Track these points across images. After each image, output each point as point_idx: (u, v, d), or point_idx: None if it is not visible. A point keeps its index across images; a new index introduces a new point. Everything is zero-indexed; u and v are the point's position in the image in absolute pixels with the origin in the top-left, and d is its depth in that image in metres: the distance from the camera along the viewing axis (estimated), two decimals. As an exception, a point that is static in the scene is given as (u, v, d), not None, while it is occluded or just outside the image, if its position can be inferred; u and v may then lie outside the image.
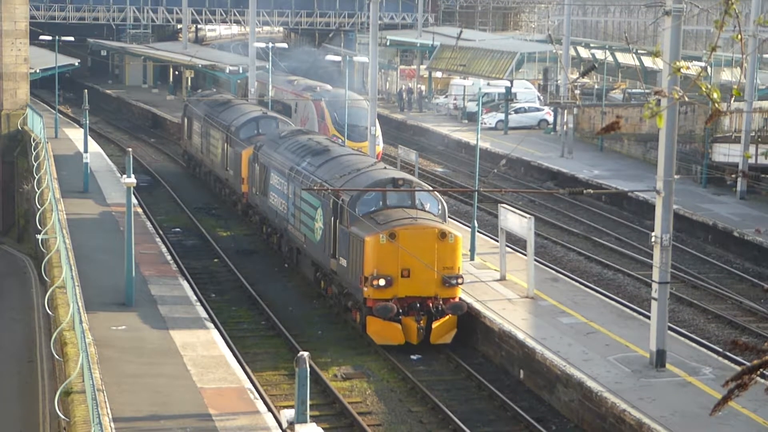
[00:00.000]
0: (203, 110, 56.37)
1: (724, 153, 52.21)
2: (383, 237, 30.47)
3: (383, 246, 30.58)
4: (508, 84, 75.28)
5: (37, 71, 67.39)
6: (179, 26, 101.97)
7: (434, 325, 30.95)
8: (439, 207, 33.59)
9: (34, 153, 52.37)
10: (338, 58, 71.96)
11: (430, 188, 35.58)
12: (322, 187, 34.84)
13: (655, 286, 27.97)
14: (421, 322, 30.73)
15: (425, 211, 33.04)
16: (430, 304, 30.68)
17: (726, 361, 28.61)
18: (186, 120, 60.35)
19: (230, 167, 49.45)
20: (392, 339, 30.82)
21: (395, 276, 30.68)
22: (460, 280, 31.43)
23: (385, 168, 36.46)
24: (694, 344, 30.53)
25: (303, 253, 38.43)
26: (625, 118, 61.18)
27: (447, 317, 31.08)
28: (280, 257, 42.21)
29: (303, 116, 59.78)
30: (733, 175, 48.91)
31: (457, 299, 31.30)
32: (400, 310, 30.49)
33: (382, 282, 30.48)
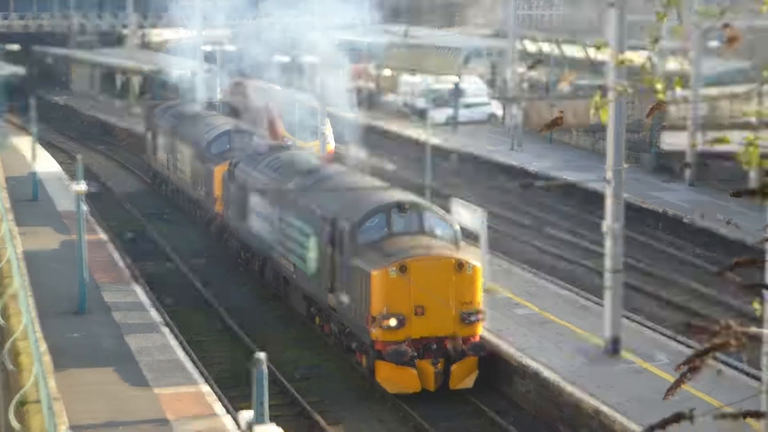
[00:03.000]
0: (169, 122, 52.56)
1: (672, 142, 52.70)
2: (393, 270, 26.64)
3: (393, 281, 26.65)
4: (457, 80, 75.61)
5: (-17, 80, 66.81)
6: (125, 32, 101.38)
7: (453, 368, 27.12)
8: (452, 232, 29.52)
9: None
10: (287, 59, 71.82)
11: (440, 211, 30.58)
12: (315, 213, 31.50)
13: (607, 275, 28.17)
14: (439, 365, 26.90)
15: (436, 237, 29.01)
16: (448, 345, 26.95)
17: (680, 347, 28.87)
18: (150, 133, 56.14)
19: (201, 186, 45.12)
20: (407, 386, 26.92)
21: (408, 314, 26.68)
22: (480, 316, 27.65)
23: (386, 190, 32.21)
24: (648, 331, 30.82)
25: (292, 284, 34.40)
26: (572, 110, 61.46)
27: (468, 358, 27.28)
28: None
29: (252, 116, 59.33)
30: (681, 164, 49.36)
31: (477, 338, 27.60)
32: (415, 353, 26.62)
33: (393, 322, 26.54)
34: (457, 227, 30.12)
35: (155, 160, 55.03)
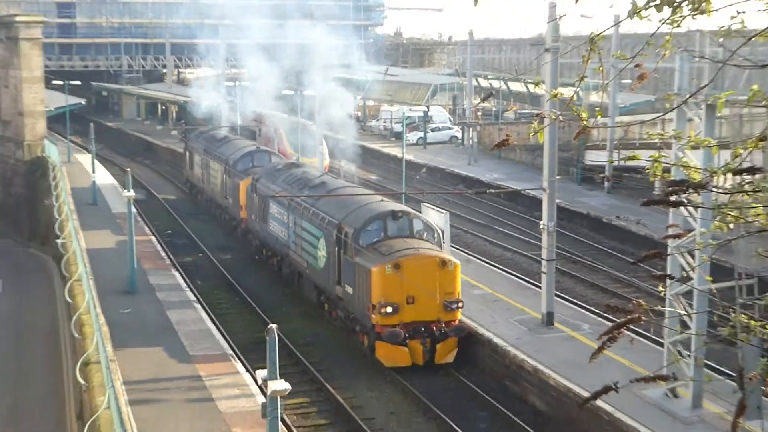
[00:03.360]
0: (203, 145, 51.72)
1: (593, 159, 52.87)
2: (389, 267, 26.75)
3: (389, 276, 26.74)
4: (426, 109, 75.72)
5: (52, 109, 66.34)
6: (164, 70, 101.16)
7: (438, 346, 27.24)
8: (435, 235, 29.54)
9: (52, 174, 51.86)
10: (292, 92, 71.71)
11: (426, 218, 30.31)
12: (324, 219, 31.23)
13: (544, 262, 28.27)
14: (426, 344, 27.06)
15: (423, 239, 28.97)
16: (434, 328, 27.08)
17: (601, 319, 28.98)
18: (188, 153, 55.11)
19: (229, 196, 44.54)
20: (400, 361, 27.07)
21: (401, 303, 26.86)
22: (460, 305, 27.64)
23: (381, 200, 31.62)
24: (575, 307, 30.92)
25: (305, 277, 33.69)
26: (516, 132, 61.52)
27: (450, 339, 27.36)
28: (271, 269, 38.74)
29: (265, 138, 59.17)
30: (601, 176, 49.52)
31: (457, 322, 27.51)
32: (407, 335, 26.80)
33: (389, 309, 26.77)
34: (439, 231, 29.80)
35: (192, 174, 54.22)
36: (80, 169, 56.86)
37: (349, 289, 28.54)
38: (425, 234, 29.21)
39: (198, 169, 51.80)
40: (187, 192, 57.20)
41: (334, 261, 29.72)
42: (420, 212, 31.71)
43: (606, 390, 5.98)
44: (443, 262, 27.40)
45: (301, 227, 33.26)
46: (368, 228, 28.80)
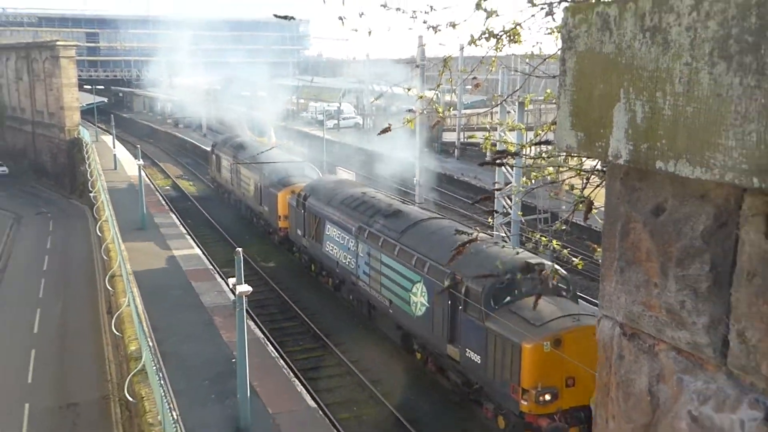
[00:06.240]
0: (232, 151, 39.17)
1: (447, 137, 53.38)
2: (547, 345, 14.16)
3: (547, 355, 14.21)
4: (338, 105, 75.00)
5: (84, 105, 64.61)
6: (160, 78, 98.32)
7: None
8: (569, 285, 16.22)
9: (85, 149, 50.16)
10: (248, 93, 70.30)
11: (560, 269, 15.27)
12: (422, 262, 17.97)
13: (416, 203, 28.37)
14: None
15: (562, 296, 15.80)
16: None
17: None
18: (214, 156, 42.65)
19: (265, 204, 32.33)
20: None
21: (560, 387, 14.50)
22: None
23: (497, 243, 17.69)
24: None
25: (385, 314, 20.31)
26: (398, 121, 61.25)
27: None
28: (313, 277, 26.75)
29: (233, 126, 57.57)
30: (452, 149, 50.00)
31: None
32: (567, 426, 14.64)
33: (547, 397, 14.43)
34: (568, 276, 16.63)
35: (219, 175, 41.71)
36: (104, 146, 54.98)
37: (475, 357, 15.94)
38: (562, 287, 16.04)
39: (226, 173, 40.07)
40: (214, 189, 44.28)
41: (445, 316, 17.01)
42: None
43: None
44: None
45: (380, 261, 20.23)
46: (498, 284, 15.72)
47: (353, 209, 23.19)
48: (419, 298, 18.25)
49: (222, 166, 40.81)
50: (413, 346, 19.25)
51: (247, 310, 14.86)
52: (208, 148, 47.43)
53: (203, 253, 28.48)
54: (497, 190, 23.81)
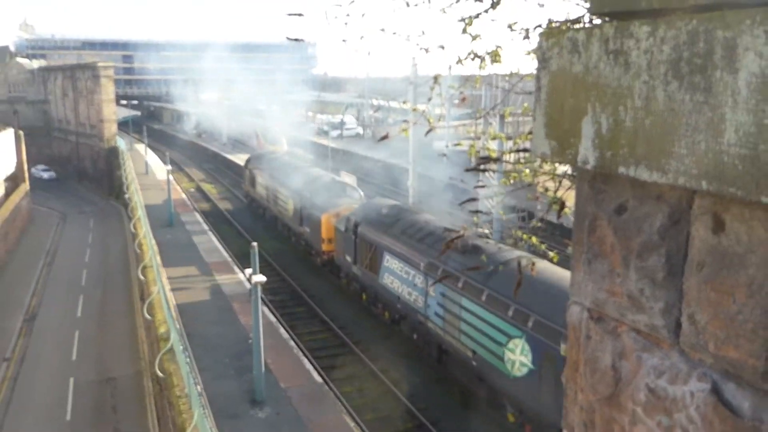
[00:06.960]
0: (267, 169, 35.02)
1: (438, 146, 53.21)
2: None
3: None
4: (342, 117, 74.93)
5: (120, 118, 65.12)
6: (188, 94, 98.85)
7: None
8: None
9: (121, 156, 50.22)
10: (263, 107, 70.39)
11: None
12: (523, 315, 13.55)
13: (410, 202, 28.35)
14: None
15: None
16: None
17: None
18: (248, 172, 38.18)
19: (306, 225, 27.80)
20: None
21: None
22: None
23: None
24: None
25: (464, 364, 15.98)
26: (396, 130, 61.13)
27: None
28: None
29: (251, 135, 57.57)
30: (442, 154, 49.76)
31: None
32: None
33: None
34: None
35: (253, 191, 37.23)
36: (137, 154, 55.08)
37: None
38: None
39: (261, 190, 35.47)
40: (247, 204, 39.91)
41: (559, 384, 11.75)
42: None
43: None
44: None
45: (460, 305, 15.84)
46: None
47: (418, 241, 18.66)
48: (518, 357, 13.65)
49: (257, 183, 36.40)
50: (508, 407, 14.53)
51: (261, 298, 14.88)
52: (228, 156, 47.32)
53: (222, 246, 28.45)
54: (481, 188, 23.81)
